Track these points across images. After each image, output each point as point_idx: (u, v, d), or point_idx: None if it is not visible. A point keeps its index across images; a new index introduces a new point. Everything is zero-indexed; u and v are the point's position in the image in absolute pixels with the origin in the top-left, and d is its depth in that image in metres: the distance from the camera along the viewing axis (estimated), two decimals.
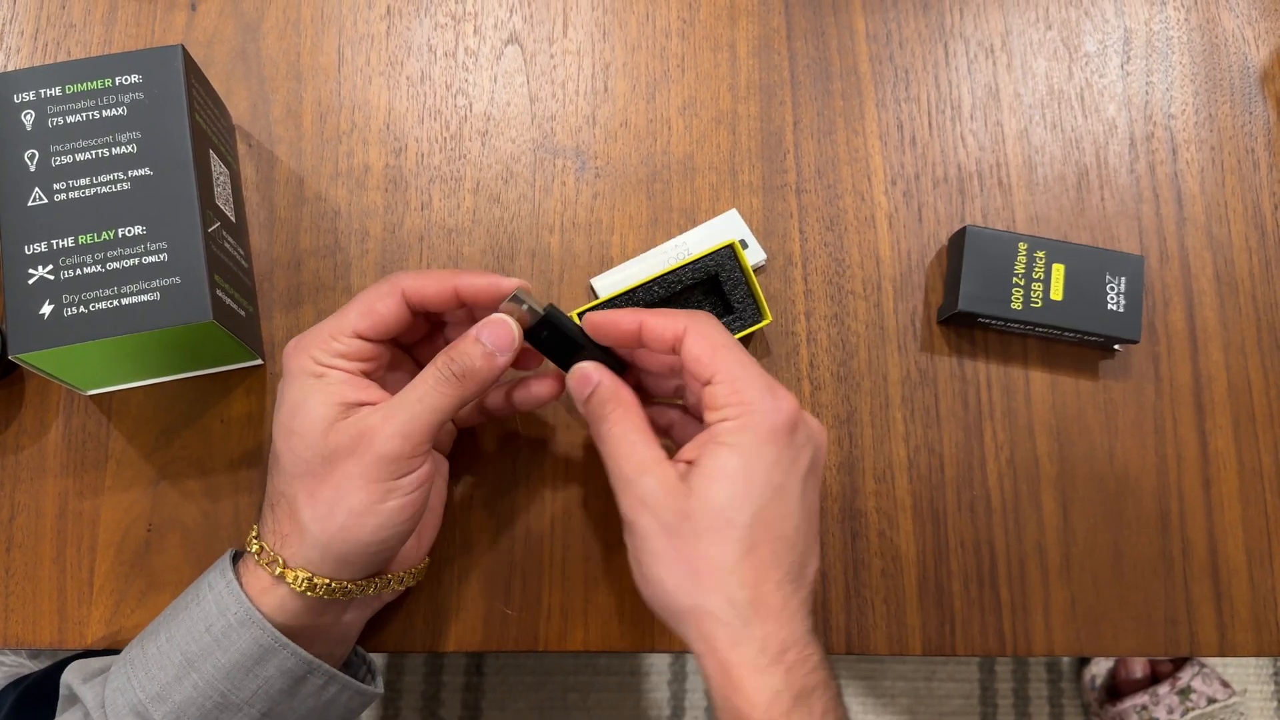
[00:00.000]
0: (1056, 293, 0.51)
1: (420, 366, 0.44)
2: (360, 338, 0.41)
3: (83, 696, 0.41)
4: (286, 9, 0.55)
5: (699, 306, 0.51)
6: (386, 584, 0.43)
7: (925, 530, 0.51)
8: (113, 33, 0.54)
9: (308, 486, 0.40)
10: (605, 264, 0.53)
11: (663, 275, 0.50)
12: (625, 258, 0.53)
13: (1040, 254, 0.52)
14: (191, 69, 0.47)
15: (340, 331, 0.41)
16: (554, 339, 0.43)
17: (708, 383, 0.40)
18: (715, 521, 0.38)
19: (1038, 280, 0.51)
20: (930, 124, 0.56)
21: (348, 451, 0.39)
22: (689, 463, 0.39)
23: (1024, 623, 0.51)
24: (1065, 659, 1.21)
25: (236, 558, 0.43)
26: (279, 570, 0.40)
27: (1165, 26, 0.58)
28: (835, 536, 0.51)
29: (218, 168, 0.48)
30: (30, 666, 0.72)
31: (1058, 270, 0.51)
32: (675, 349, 0.41)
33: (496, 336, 0.41)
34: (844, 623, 0.50)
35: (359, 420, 0.39)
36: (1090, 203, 0.55)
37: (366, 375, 0.42)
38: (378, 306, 0.41)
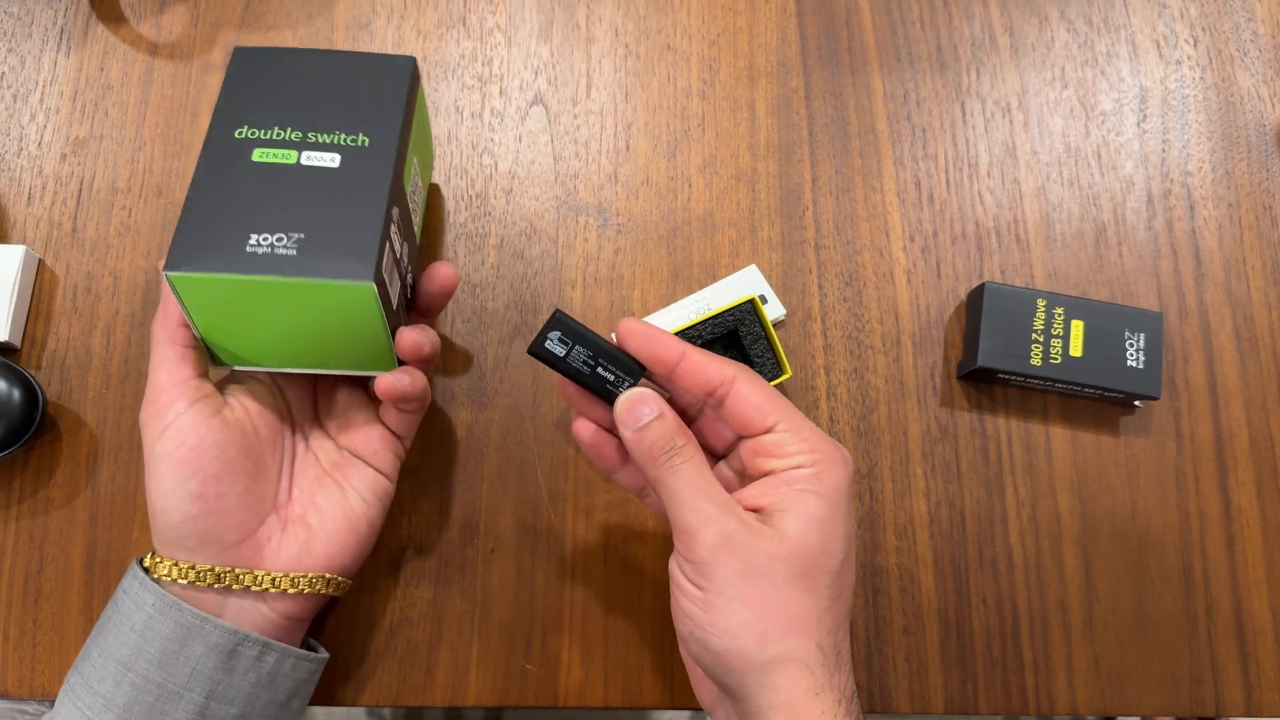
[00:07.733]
0: (1076, 349, 0.51)
1: None
2: None
3: None
4: None
5: None
6: (257, 581, 0.42)
7: (947, 587, 0.51)
8: (149, 93, 0.56)
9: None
10: None
11: (684, 330, 0.50)
12: (646, 312, 0.54)
13: (1059, 310, 0.52)
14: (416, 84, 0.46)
15: None
16: (575, 340, 0.40)
17: (767, 430, 0.39)
18: (809, 567, 0.36)
19: (1057, 336, 0.51)
20: (948, 181, 0.56)
21: None
22: (757, 510, 0.38)
23: (1047, 681, 0.50)
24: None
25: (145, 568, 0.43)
26: (157, 562, 0.41)
27: (1181, 85, 0.59)
28: (856, 593, 0.51)
29: (413, 181, 0.47)
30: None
31: (1077, 326, 0.52)
32: (714, 392, 0.39)
33: None
34: (865, 680, 0.50)
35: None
36: (1108, 259, 0.56)
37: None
38: None
